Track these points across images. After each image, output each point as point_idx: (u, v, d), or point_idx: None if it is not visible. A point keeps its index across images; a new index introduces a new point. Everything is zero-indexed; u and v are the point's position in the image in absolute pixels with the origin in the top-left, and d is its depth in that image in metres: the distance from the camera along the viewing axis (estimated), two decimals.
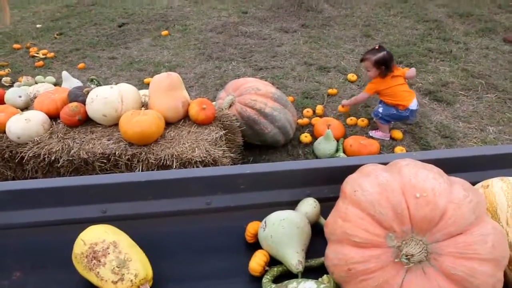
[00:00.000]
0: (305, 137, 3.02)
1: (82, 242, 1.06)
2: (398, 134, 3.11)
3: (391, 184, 0.96)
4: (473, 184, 1.30)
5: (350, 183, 1.04)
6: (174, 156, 2.16)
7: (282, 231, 1.10)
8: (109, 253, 1.02)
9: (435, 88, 3.75)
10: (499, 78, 3.91)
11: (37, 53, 4.81)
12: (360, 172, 1.07)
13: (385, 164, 1.12)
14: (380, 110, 3.05)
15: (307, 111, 3.33)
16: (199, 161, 2.12)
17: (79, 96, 2.42)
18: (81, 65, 4.46)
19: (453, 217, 0.91)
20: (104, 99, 2.28)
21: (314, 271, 1.14)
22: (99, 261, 1.02)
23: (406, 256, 0.89)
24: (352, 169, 1.14)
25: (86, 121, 2.40)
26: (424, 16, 5.44)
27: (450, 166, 1.31)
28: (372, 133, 3.18)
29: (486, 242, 0.91)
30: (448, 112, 3.43)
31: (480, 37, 4.81)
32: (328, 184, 1.31)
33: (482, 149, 1.43)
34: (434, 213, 0.91)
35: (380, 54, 2.91)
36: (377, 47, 2.96)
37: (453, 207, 0.92)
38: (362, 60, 3.05)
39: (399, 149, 2.89)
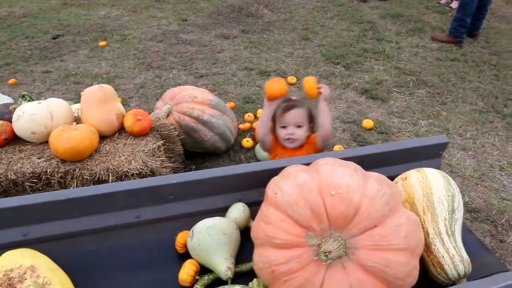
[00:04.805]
0: (247, 142, 3.04)
1: None
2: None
3: (308, 184, 0.99)
4: (396, 177, 1.37)
5: (271, 186, 1.06)
6: (109, 170, 2.09)
7: (209, 239, 1.10)
8: (26, 279, 0.97)
9: (370, 86, 3.90)
10: (428, 74, 4.14)
11: None
12: (281, 174, 1.09)
13: (310, 164, 1.15)
14: None
15: (248, 116, 3.36)
16: (136, 173, 2.07)
17: (4, 114, 2.30)
18: (12, 80, 4.22)
19: (367, 211, 0.95)
20: (32, 115, 2.17)
21: (246, 276, 1.15)
22: None
23: (324, 253, 0.92)
24: (280, 171, 1.16)
25: (14, 139, 2.27)
26: (359, 18, 5.66)
27: (373, 162, 1.37)
28: None
29: (399, 232, 0.96)
30: (383, 108, 3.59)
31: (410, 36, 5.08)
32: (257, 187, 1.32)
33: (402, 143, 1.51)
34: (349, 209, 0.94)
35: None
36: (293, 98, 2.09)
37: (366, 201, 0.96)
38: (289, 108, 1.97)
39: (337, 147, 2.98)
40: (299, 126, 1.98)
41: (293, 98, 1.99)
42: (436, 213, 1.15)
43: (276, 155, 2.07)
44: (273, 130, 2.06)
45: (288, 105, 1.99)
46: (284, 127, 1.99)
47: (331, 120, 1.95)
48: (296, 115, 1.96)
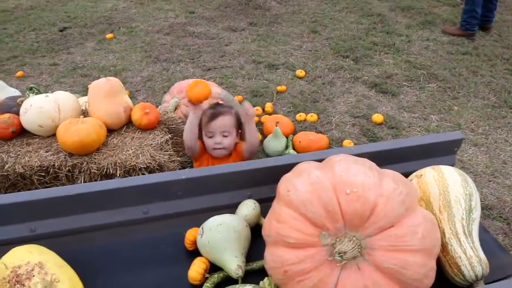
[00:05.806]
0: None
1: (4, 266, 0.98)
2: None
3: (322, 182, 0.96)
4: (409, 174, 1.33)
5: (283, 183, 1.03)
6: (117, 164, 2.08)
7: (219, 236, 1.07)
8: (33, 276, 0.96)
9: (380, 80, 3.85)
10: (439, 68, 4.07)
11: None
12: (294, 171, 1.06)
13: (322, 160, 1.12)
14: None
15: (257, 110, 3.31)
16: (144, 167, 2.06)
17: (12, 107, 2.28)
18: (19, 73, 4.22)
19: (383, 210, 0.91)
20: (39, 108, 2.16)
21: (257, 274, 1.13)
22: (23, 285, 0.95)
23: (339, 253, 0.89)
24: (291, 167, 1.13)
25: (22, 133, 2.26)
26: (369, 11, 5.58)
27: (385, 158, 1.34)
28: None
29: (416, 233, 0.92)
30: (393, 103, 3.54)
31: (421, 29, 4.99)
32: (268, 184, 1.29)
33: (415, 139, 1.47)
34: (365, 208, 0.91)
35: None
36: (220, 101, 1.94)
37: (383, 200, 0.92)
38: (215, 116, 1.91)
39: (347, 142, 2.94)
40: (226, 135, 1.91)
41: (220, 102, 1.89)
42: (453, 212, 1.11)
43: (202, 163, 1.97)
44: (201, 137, 1.98)
45: (214, 112, 1.89)
46: (210, 136, 1.92)
47: (258, 136, 1.89)
48: (222, 123, 1.88)
